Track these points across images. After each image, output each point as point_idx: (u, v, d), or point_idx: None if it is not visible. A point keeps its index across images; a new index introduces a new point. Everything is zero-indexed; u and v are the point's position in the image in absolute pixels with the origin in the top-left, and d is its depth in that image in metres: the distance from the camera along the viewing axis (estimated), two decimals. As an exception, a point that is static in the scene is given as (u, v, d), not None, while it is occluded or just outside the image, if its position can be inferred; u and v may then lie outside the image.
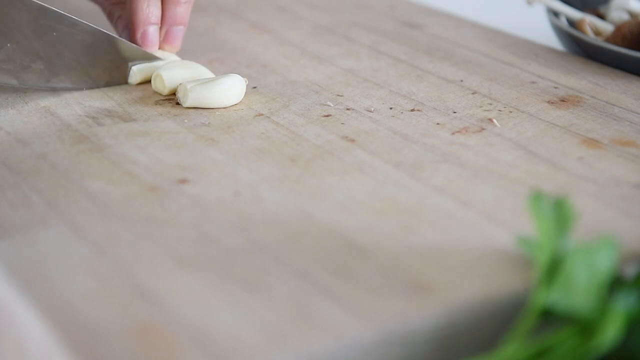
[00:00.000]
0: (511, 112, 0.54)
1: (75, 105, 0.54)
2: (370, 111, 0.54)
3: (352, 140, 0.50)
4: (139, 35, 0.57)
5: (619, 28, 0.64)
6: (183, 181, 0.45)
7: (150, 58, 0.58)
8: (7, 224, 0.41)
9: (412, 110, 0.54)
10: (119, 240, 0.40)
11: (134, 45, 0.57)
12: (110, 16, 0.61)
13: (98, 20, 0.61)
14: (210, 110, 0.54)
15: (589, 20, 0.66)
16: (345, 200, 0.43)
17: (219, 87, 0.54)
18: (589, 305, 0.33)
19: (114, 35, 0.56)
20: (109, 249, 0.39)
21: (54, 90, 0.56)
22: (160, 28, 0.58)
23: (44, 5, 0.53)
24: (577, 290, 0.34)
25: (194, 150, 0.49)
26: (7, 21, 0.52)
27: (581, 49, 0.64)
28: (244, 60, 0.63)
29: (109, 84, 0.57)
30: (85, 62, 0.55)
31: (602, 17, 0.69)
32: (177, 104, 0.55)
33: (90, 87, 0.57)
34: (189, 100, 0.54)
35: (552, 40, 0.69)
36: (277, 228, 0.41)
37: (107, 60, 0.56)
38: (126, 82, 0.58)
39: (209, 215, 0.42)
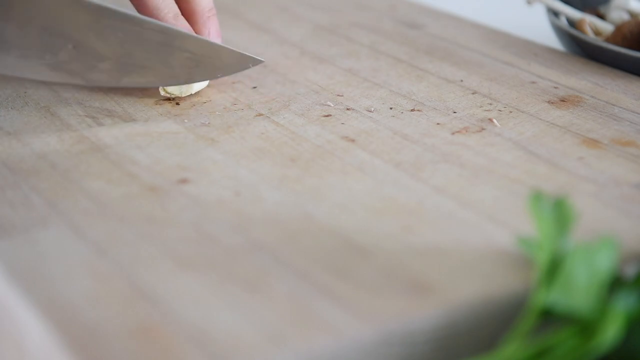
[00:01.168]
0: (511, 112, 0.54)
1: (75, 105, 0.54)
2: (370, 111, 0.54)
3: (352, 140, 0.50)
4: None
5: (619, 28, 0.64)
6: (183, 181, 0.45)
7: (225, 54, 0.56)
8: (7, 224, 0.41)
9: (412, 110, 0.54)
10: (119, 240, 0.40)
11: (206, 39, 0.55)
12: None
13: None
14: (210, 110, 0.54)
15: (589, 20, 0.66)
16: (345, 200, 0.43)
17: None
18: (589, 305, 0.33)
19: (186, 32, 0.55)
20: (109, 249, 0.39)
21: (125, 88, 0.56)
22: None
23: (103, 6, 0.52)
24: (577, 290, 0.34)
25: (194, 150, 0.49)
26: (64, 22, 0.51)
27: (581, 49, 0.64)
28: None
29: (187, 82, 0.56)
30: (157, 60, 0.54)
31: (602, 17, 0.69)
32: (177, 104, 0.55)
33: (167, 85, 0.55)
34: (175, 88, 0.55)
35: (552, 40, 0.69)
36: (277, 228, 0.41)
37: (183, 58, 0.55)
38: (206, 79, 0.56)
39: (209, 215, 0.42)
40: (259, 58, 0.56)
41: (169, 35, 0.54)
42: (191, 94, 0.56)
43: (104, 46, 0.53)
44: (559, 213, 0.36)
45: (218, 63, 0.55)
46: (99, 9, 0.51)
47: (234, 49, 0.56)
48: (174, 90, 0.55)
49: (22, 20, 0.50)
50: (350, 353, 0.33)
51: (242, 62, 0.56)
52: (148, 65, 0.54)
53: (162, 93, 0.55)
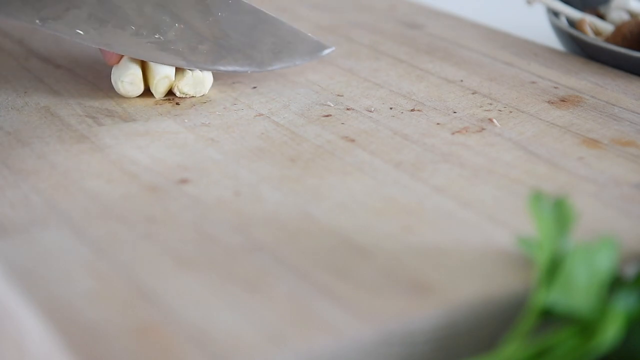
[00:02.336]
0: (511, 112, 0.54)
1: (75, 105, 0.54)
2: (370, 111, 0.54)
3: (352, 140, 0.50)
4: None
5: (619, 28, 0.64)
6: (183, 181, 0.45)
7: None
8: (7, 224, 0.41)
9: (412, 110, 0.54)
10: (119, 240, 0.40)
11: (295, 27, 0.56)
12: None
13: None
14: (211, 110, 0.54)
15: (589, 20, 0.66)
16: (345, 200, 0.43)
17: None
18: (589, 305, 0.33)
19: (277, 17, 0.56)
20: (109, 249, 0.39)
21: (217, 71, 0.56)
22: None
23: None
24: (577, 290, 0.34)
25: (194, 150, 0.49)
26: (175, 1, 0.52)
27: (581, 49, 0.64)
28: (244, 60, 0.63)
29: (268, 67, 0.56)
30: (248, 44, 0.55)
31: (602, 17, 0.69)
32: (177, 104, 0.55)
33: (254, 71, 0.56)
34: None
35: (552, 40, 0.69)
36: (277, 228, 0.41)
37: (270, 43, 0.55)
38: (286, 66, 0.56)
39: (209, 215, 0.42)
40: (330, 47, 0.59)
41: (259, 18, 0.54)
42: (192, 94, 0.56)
43: (205, 27, 0.53)
44: (559, 213, 0.36)
45: (298, 49, 0.56)
46: None
47: (312, 36, 0.57)
48: (189, 90, 0.55)
49: None
50: (350, 353, 0.33)
51: (317, 50, 0.58)
52: (240, 48, 0.55)
53: (178, 94, 0.55)
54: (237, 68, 0.55)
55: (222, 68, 0.55)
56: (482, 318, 0.36)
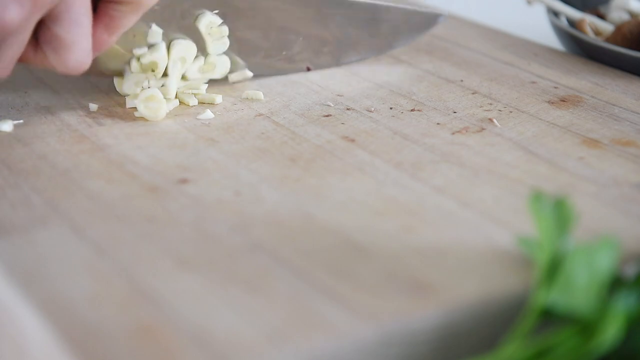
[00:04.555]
0: (511, 112, 0.54)
1: (75, 105, 0.54)
2: (370, 111, 0.54)
3: (352, 140, 0.50)
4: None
5: (619, 28, 0.64)
6: (183, 181, 0.45)
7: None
8: (7, 224, 0.41)
9: (412, 110, 0.54)
10: (119, 240, 0.40)
11: (402, 6, 0.61)
12: None
13: None
14: (211, 110, 0.54)
15: (589, 20, 0.66)
16: (345, 200, 0.43)
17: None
18: (589, 305, 0.33)
19: (388, 4, 0.60)
20: (109, 249, 0.39)
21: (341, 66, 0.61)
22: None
23: None
24: (577, 290, 0.34)
25: (194, 150, 0.49)
26: (294, 20, 0.58)
27: (581, 49, 0.64)
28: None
29: (390, 49, 0.63)
30: (367, 34, 0.61)
31: (602, 17, 0.69)
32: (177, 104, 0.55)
33: (375, 56, 0.62)
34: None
35: (552, 40, 0.69)
36: (277, 228, 0.41)
37: (386, 28, 0.61)
38: (406, 44, 0.63)
39: (209, 215, 0.42)
40: (443, 14, 0.63)
41: (374, 11, 0.60)
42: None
43: (326, 32, 0.60)
44: (559, 213, 0.36)
45: (412, 26, 0.62)
46: (320, 1, 0.58)
47: (423, 9, 0.62)
48: (205, 98, 0.55)
49: (264, 25, 0.57)
50: (350, 353, 0.33)
51: (430, 21, 0.63)
52: (359, 41, 0.61)
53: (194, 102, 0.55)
54: (359, 58, 0.62)
55: (346, 61, 0.61)
56: (482, 318, 0.36)
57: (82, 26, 0.47)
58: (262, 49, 0.58)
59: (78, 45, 0.48)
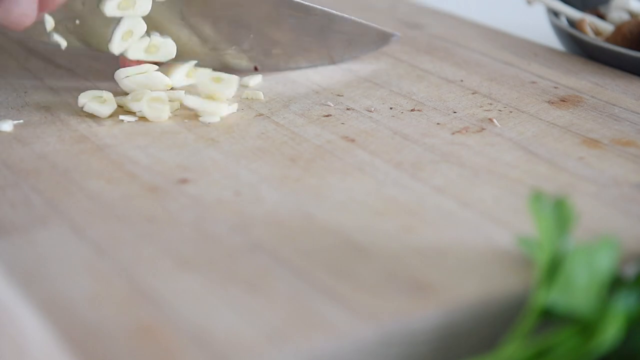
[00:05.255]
0: (511, 112, 0.54)
1: (75, 105, 0.54)
2: (370, 111, 0.54)
3: (352, 140, 0.50)
4: None
5: (619, 28, 0.64)
6: (183, 181, 0.45)
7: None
8: (7, 224, 0.41)
9: (412, 110, 0.55)
10: (119, 240, 0.40)
11: (363, 22, 0.61)
12: None
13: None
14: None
15: (589, 20, 0.66)
16: (345, 200, 0.43)
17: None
18: (589, 305, 0.33)
19: (343, 15, 0.59)
20: (109, 249, 0.39)
21: (288, 70, 0.60)
22: None
23: None
24: (577, 290, 0.34)
25: (194, 150, 0.49)
26: (247, 14, 0.57)
27: (581, 49, 0.64)
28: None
29: (340, 61, 0.62)
30: (319, 43, 0.60)
31: (602, 17, 0.69)
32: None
33: (323, 65, 0.61)
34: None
35: (552, 40, 0.69)
36: (277, 228, 0.41)
37: (339, 40, 0.60)
38: (356, 56, 0.62)
39: (209, 215, 0.42)
40: (395, 33, 0.63)
41: (330, 19, 0.59)
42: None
43: (278, 33, 0.58)
44: (559, 213, 0.36)
45: (365, 40, 0.62)
46: (279, 1, 0.57)
47: (378, 27, 0.62)
48: (210, 118, 0.54)
49: (216, 16, 0.56)
50: (350, 353, 0.33)
51: (383, 39, 0.62)
52: (311, 48, 0.60)
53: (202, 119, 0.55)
54: (309, 65, 0.61)
55: (292, 66, 0.60)
56: (482, 318, 0.36)
57: None
58: (211, 40, 0.57)
59: None
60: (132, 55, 0.55)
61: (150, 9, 0.54)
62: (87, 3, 0.53)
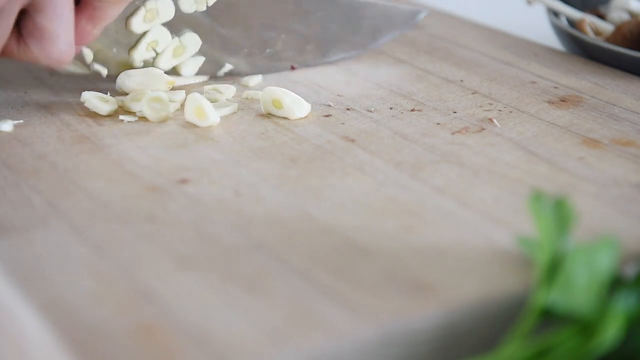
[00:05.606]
0: (511, 112, 0.54)
1: (75, 105, 0.54)
2: (370, 111, 0.54)
3: (352, 140, 0.50)
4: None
5: (619, 28, 0.64)
6: (183, 181, 0.45)
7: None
8: (7, 224, 0.41)
9: (412, 110, 0.54)
10: (119, 240, 0.40)
11: (389, 4, 0.61)
12: None
13: None
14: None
15: (589, 20, 0.66)
16: (345, 200, 0.43)
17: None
18: (589, 305, 0.33)
19: (367, 0, 0.60)
20: (109, 249, 0.39)
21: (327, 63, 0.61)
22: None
23: None
24: (577, 290, 0.34)
25: (194, 150, 0.49)
26: (276, 17, 0.58)
27: (581, 49, 0.64)
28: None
29: (374, 46, 0.63)
30: (348, 32, 0.61)
31: (602, 17, 0.69)
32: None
33: (359, 53, 0.62)
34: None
35: (552, 40, 0.69)
36: (277, 228, 0.41)
37: (368, 25, 0.61)
38: (388, 40, 0.63)
39: (209, 215, 0.42)
40: (422, 9, 0.64)
41: (354, 7, 0.59)
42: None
43: (307, 29, 0.59)
44: (559, 213, 0.36)
45: (393, 22, 0.63)
46: None
47: (404, 6, 0.63)
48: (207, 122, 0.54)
49: (246, 23, 0.57)
50: (350, 353, 0.33)
51: (412, 17, 0.63)
52: (342, 37, 0.61)
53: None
54: (344, 55, 0.61)
55: (331, 59, 0.61)
56: (482, 318, 0.36)
57: (64, 16, 0.47)
58: (244, 46, 0.58)
59: (61, 35, 0.48)
60: (163, 64, 0.55)
61: (173, 15, 0.55)
62: (120, 29, 0.54)
